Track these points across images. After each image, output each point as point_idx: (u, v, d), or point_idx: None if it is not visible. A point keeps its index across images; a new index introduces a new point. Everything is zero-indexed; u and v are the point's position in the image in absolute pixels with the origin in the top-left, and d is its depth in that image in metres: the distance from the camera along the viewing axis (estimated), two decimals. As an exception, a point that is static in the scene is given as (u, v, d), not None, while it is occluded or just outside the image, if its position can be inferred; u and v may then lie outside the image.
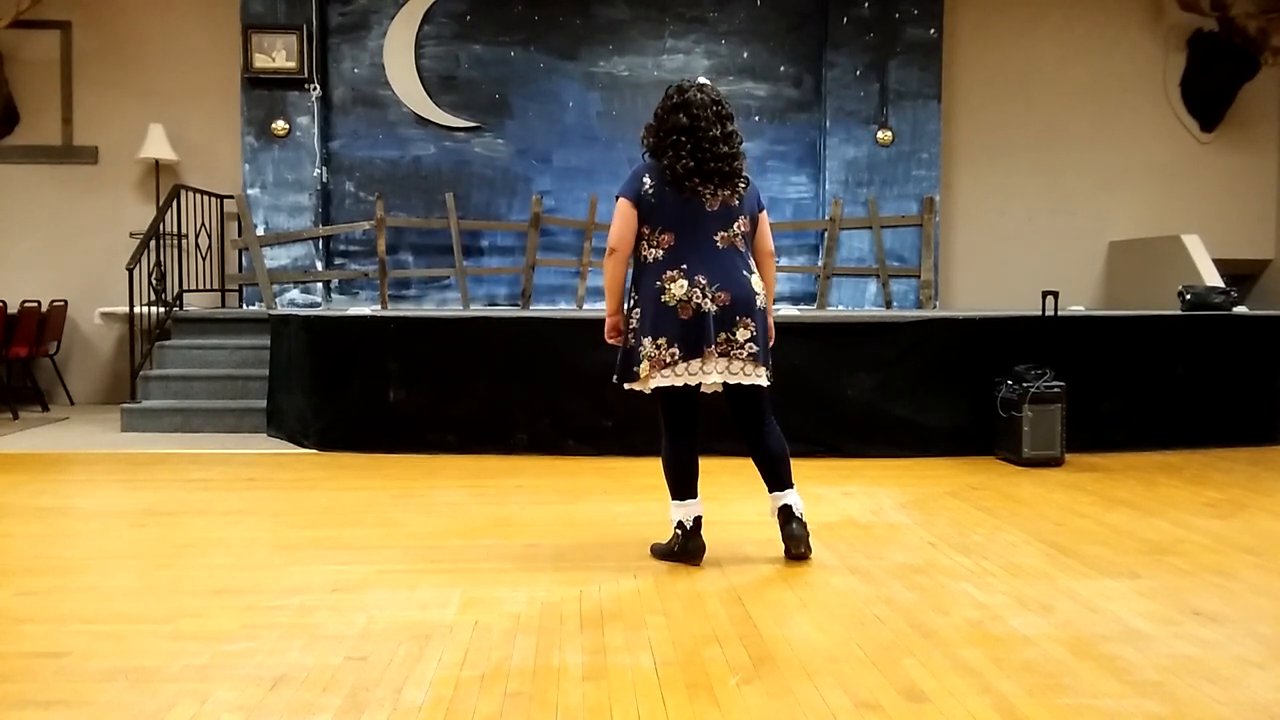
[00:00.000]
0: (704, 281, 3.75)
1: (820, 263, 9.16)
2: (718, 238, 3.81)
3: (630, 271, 3.92)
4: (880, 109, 9.15)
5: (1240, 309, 7.50)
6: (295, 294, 8.92)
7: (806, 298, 9.33)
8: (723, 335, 3.77)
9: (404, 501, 5.13)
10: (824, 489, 5.46)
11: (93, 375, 9.14)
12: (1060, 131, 9.69)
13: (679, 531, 3.97)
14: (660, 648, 3.07)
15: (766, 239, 3.98)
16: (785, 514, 4.01)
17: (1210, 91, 9.64)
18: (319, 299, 8.96)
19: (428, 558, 4.02)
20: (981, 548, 4.25)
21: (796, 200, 9.40)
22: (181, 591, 3.62)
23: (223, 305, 9.01)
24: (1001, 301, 9.23)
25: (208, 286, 8.82)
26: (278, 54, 8.74)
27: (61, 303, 8.72)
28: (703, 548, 3.97)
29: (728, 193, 3.81)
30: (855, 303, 9.19)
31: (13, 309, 8.12)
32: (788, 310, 8.06)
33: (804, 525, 4.01)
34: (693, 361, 3.75)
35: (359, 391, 6.56)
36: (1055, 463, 6.11)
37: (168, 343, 7.98)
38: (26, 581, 3.74)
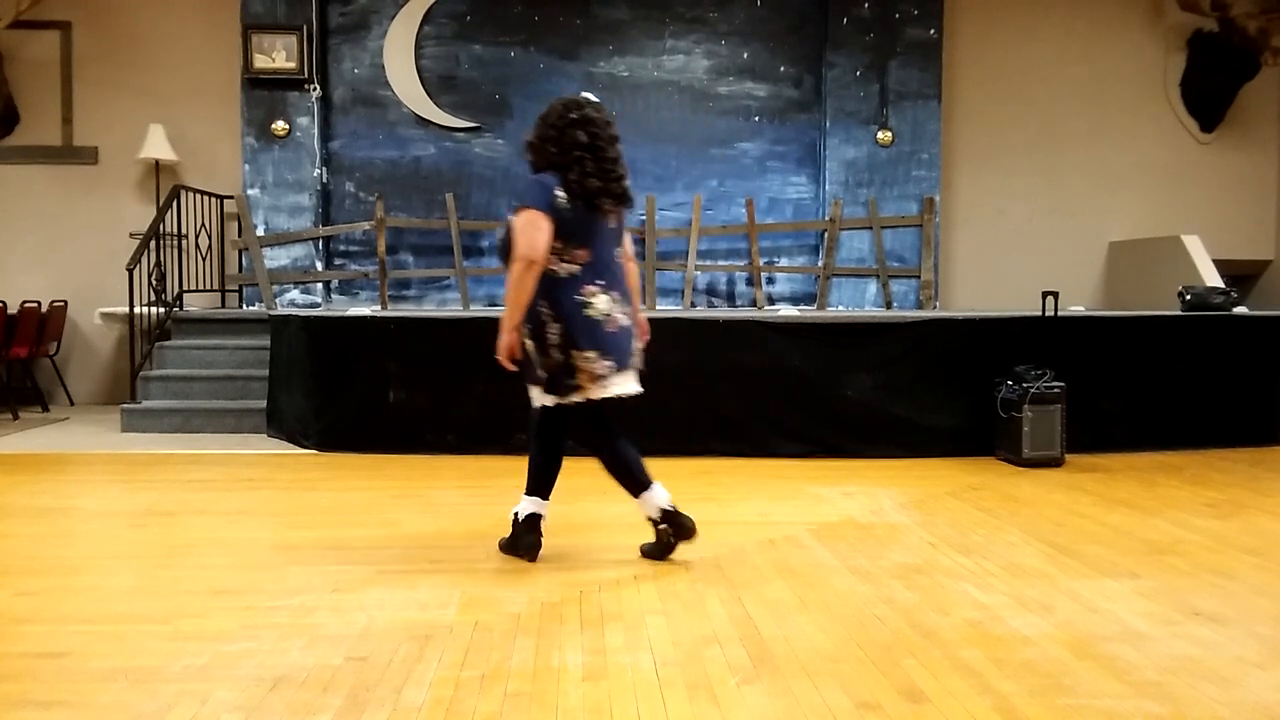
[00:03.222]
0: (617, 296, 3.84)
1: (820, 263, 9.16)
2: (616, 254, 3.91)
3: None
4: (880, 109, 9.15)
5: (1240, 309, 7.50)
6: (295, 294, 8.92)
7: (806, 298, 9.33)
8: (635, 346, 3.93)
9: (404, 501, 5.13)
10: (824, 489, 5.46)
11: (93, 375, 9.14)
12: (1060, 131, 9.69)
13: (523, 523, 3.99)
14: (660, 648, 3.07)
15: (629, 246, 4.08)
16: (670, 511, 3.96)
17: (1210, 91, 9.64)
18: (319, 299, 8.96)
19: (428, 558, 4.02)
20: (981, 548, 4.25)
21: (796, 200, 9.41)
22: (181, 591, 3.62)
23: (223, 305, 9.01)
24: (1001, 302, 9.23)
25: (208, 287, 8.82)
26: (278, 54, 8.74)
27: (61, 303, 8.72)
28: (537, 545, 3.99)
29: (621, 211, 3.90)
30: (855, 303, 9.19)
31: (13, 309, 8.12)
32: (788, 310, 8.07)
33: (687, 518, 4.00)
34: (623, 373, 3.85)
35: (359, 392, 6.56)
36: (1055, 463, 6.11)
37: (168, 343, 7.98)
38: (26, 581, 3.74)
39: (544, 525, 4.03)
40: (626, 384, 3.88)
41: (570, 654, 3.02)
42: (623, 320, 3.84)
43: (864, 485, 5.57)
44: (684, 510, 3.98)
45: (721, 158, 9.32)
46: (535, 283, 3.72)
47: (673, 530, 3.97)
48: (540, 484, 4.01)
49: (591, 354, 3.76)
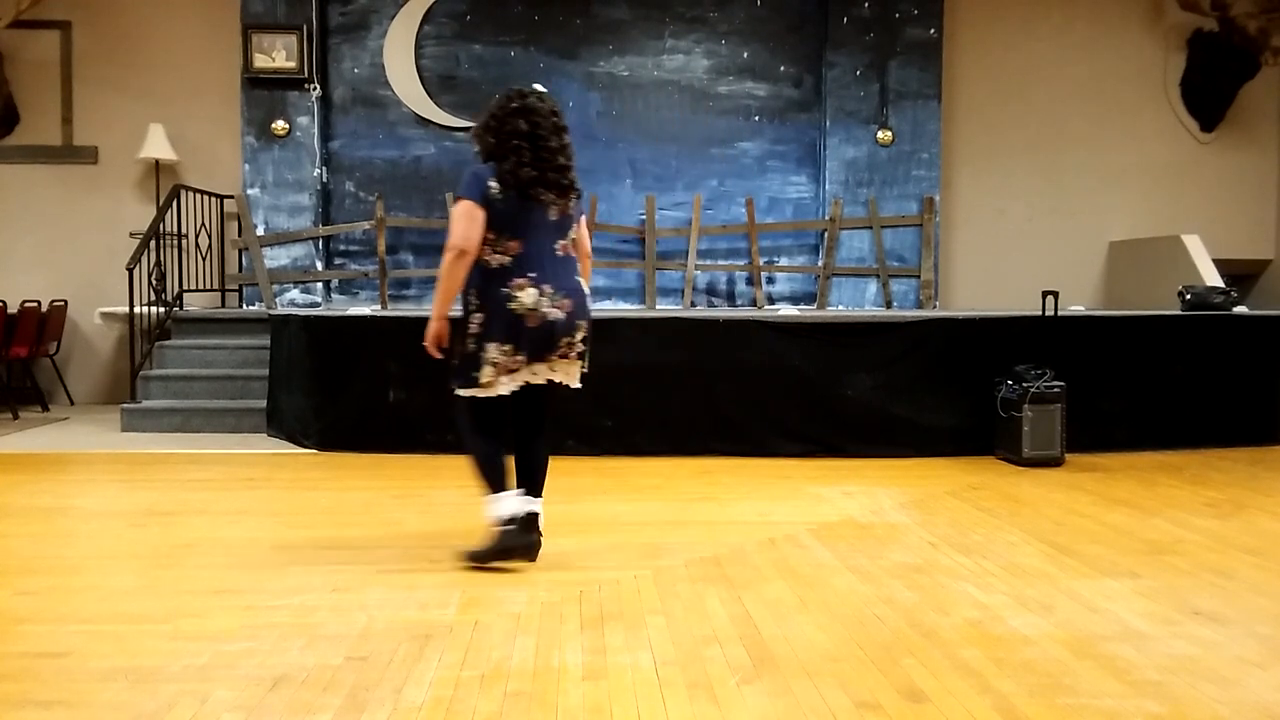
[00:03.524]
0: (550, 290, 3.78)
1: (820, 263, 9.16)
2: (557, 246, 3.85)
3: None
4: (880, 109, 9.15)
5: (1240, 309, 7.50)
6: (295, 294, 8.92)
7: (806, 298, 9.33)
8: (566, 340, 3.83)
9: (404, 501, 5.13)
10: (824, 489, 5.46)
11: (93, 375, 9.14)
12: (1060, 131, 9.69)
13: (507, 527, 3.84)
14: (660, 648, 3.07)
15: (586, 241, 4.07)
16: (533, 520, 3.93)
17: (1210, 91, 9.63)
18: (319, 299, 8.96)
19: (428, 558, 4.02)
20: (981, 548, 4.25)
21: (796, 200, 9.40)
22: (181, 591, 3.62)
23: (223, 305, 9.01)
24: (1001, 301, 9.23)
25: (208, 286, 8.81)
26: (278, 54, 8.74)
27: (61, 303, 8.72)
28: (537, 543, 3.89)
29: (565, 203, 3.85)
30: (855, 303, 9.19)
31: (13, 309, 8.12)
32: (788, 310, 8.08)
33: (541, 537, 3.96)
34: (536, 365, 3.81)
35: (359, 391, 6.56)
36: (1055, 463, 6.11)
37: (168, 343, 7.98)
38: (26, 581, 3.74)
39: (541, 522, 3.95)
40: (537, 375, 3.83)
41: (570, 654, 3.02)
42: (551, 315, 3.76)
43: (864, 485, 5.57)
44: (539, 530, 3.91)
45: (721, 157, 9.31)
46: (465, 273, 3.77)
47: (507, 540, 3.85)
48: (496, 479, 3.88)
49: (507, 347, 3.74)
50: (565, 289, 3.82)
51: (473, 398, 3.82)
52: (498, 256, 3.77)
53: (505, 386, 3.79)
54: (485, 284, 3.77)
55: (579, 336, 3.87)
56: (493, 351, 3.75)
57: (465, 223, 3.72)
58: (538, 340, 3.77)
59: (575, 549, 4.20)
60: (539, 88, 3.93)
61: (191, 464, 6.20)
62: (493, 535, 3.88)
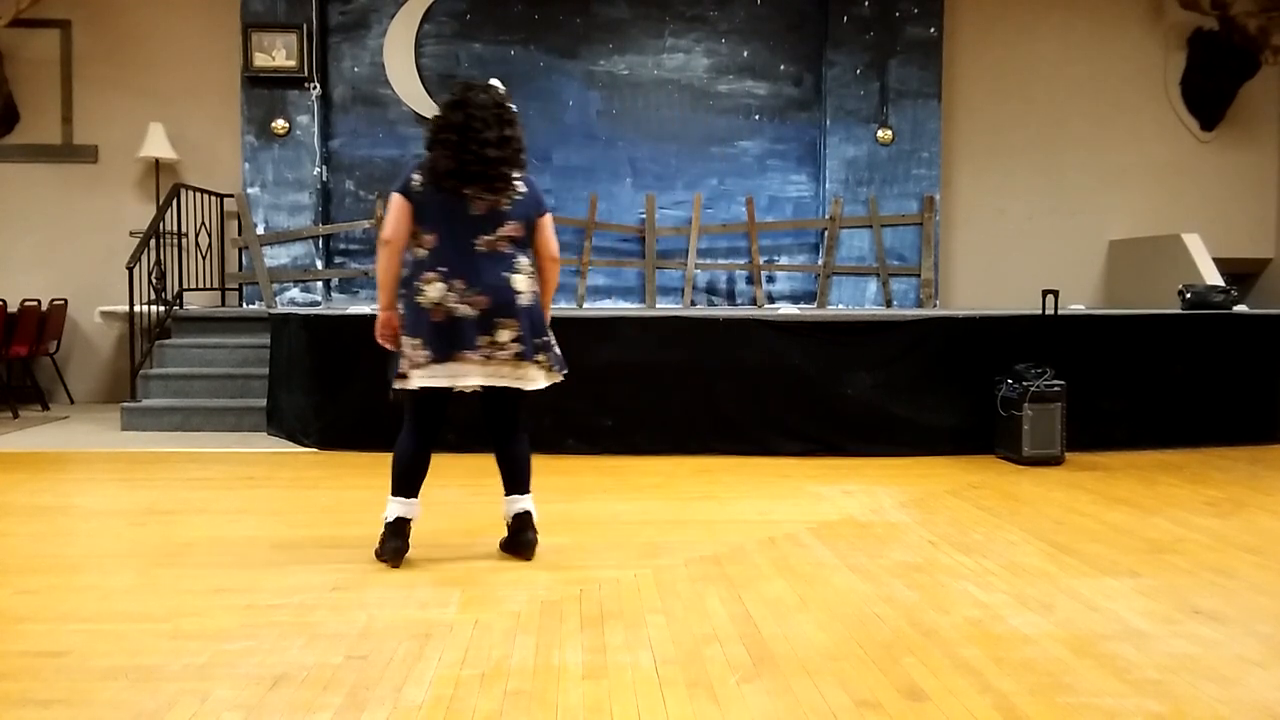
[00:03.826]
0: (461, 286, 3.71)
1: (820, 261, 9.16)
2: (479, 241, 3.76)
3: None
4: (880, 108, 9.15)
5: (1240, 308, 7.50)
6: (295, 293, 8.92)
7: (806, 296, 9.32)
8: (484, 339, 3.73)
9: (404, 500, 5.12)
10: (824, 488, 5.46)
11: (93, 374, 9.14)
12: (1060, 131, 9.69)
13: (384, 530, 3.88)
14: (660, 647, 3.07)
15: (548, 243, 3.91)
16: (521, 520, 3.97)
17: (1210, 90, 9.63)
18: (319, 298, 8.96)
19: (428, 557, 4.02)
20: (981, 547, 4.25)
21: (796, 199, 9.40)
22: (181, 590, 3.62)
23: (223, 304, 9.01)
24: (1001, 301, 9.23)
25: (208, 285, 8.81)
26: (278, 53, 8.73)
27: (61, 302, 8.72)
28: (400, 550, 3.86)
29: (495, 197, 3.76)
30: (855, 302, 9.19)
31: (13, 308, 8.12)
32: (788, 309, 8.07)
33: (536, 534, 3.98)
34: (448, 364, 3.73)
35: (359, 390, 6.55)
36: (1055, 461, 6.11)
37: (168, 342, 7.98)
38: (26, 580, 3.74)
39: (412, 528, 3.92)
40: (454, 378, 3.76)
41: (570, 652, 3.02)
42: (459, 311, 3.70)
43: (864, 484, 5.57)
44: (406, 538, 3.89)
45: (721, 156, 9.31)
46: (392, 264, 3.78)
47: (380, 542, 3.89)
48: (399, 481, 3.88)
49: (416, 341, 3.74)
50: (481, 286, 3.72)
51: (410, 392, 3.81)
52: (416, 250, 3.80)
53: (417, 381, 3.76)
54: (407, 277, 3.81)
55: (505, 336, 3.74)
56: (406, 345, 3.76)
57: (391, 214, 3.79)
58: (444, 337, 3.71)
59: (575, 548, 4.21)
60: (495, 82, 3.87)
61: (191, 463, 6.20)
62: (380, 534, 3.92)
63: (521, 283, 3.80)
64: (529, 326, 3.79)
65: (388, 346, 3.89)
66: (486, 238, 3.77)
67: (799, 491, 5.39)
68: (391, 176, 9.08)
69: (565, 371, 3.96)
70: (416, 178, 3.79)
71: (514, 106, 3.86)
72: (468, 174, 3.72)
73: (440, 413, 3.92)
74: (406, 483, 3.88)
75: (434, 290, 3.72)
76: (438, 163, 3.75)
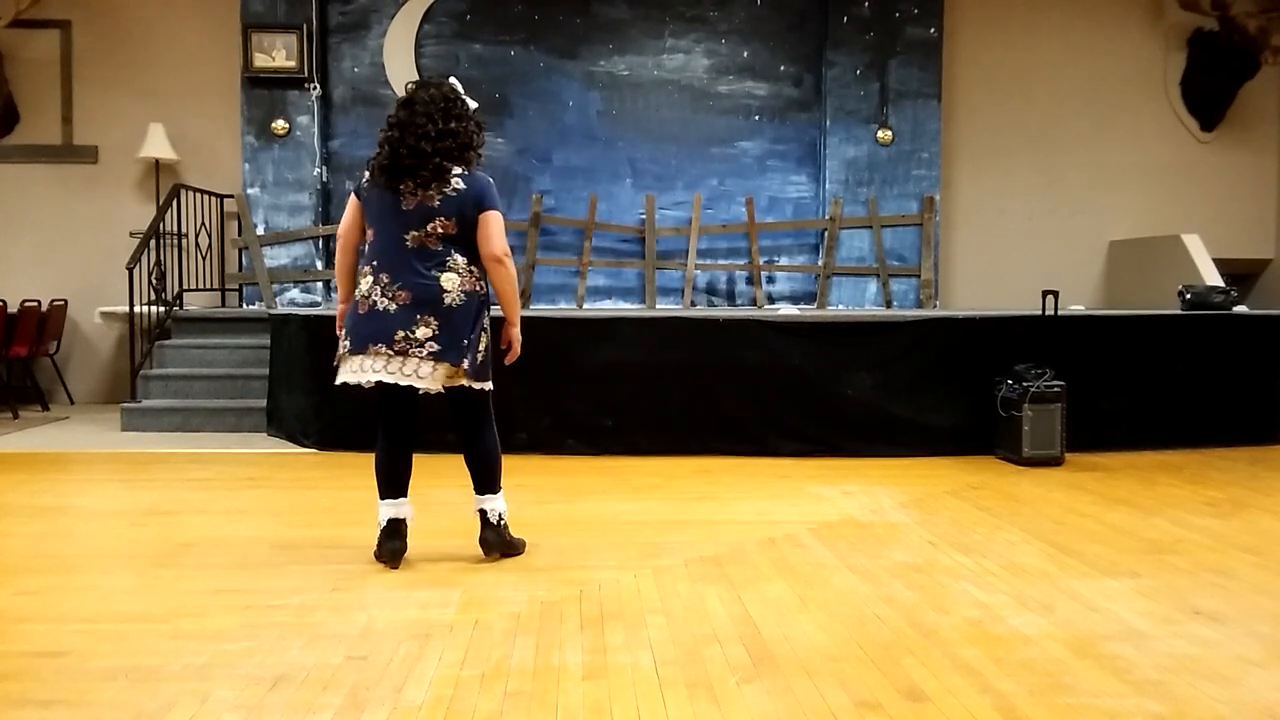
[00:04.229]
0: (386, 280, 3.72)
1: (820, 262, 9.16)
2: (408, 236, 3.72)
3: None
4: (880, 108, 9.15)
5: (1240, 308, 7.50)
6: (295, 293, 8.91)
7: (806, 297, 9.32)
8: (401, 334, 3.68)
9: (404, 501, 5.12)
10: (824, 488, 5.46)
11: (93, 375, 9.14)
12: (1060, 131, 9.69)
13: (380, 532, 3.91)
14: (660, 647, 3.07)
15: (488, 242, 3.75)
16: (480, 517, 3.99)
17: (1210, 91, 9.63)
18: (319, 298, 8.95)
19: (428, 557, 4.02)
20: (981, 547, 4.25)
21: (796, 199, 9.40)
22: (181, 590, 3.62)
23: (223, 305, 9.00)
24: (1001, 301, 9.23)
25: (208, 286, 8.81)
26: (278, 53, 8.73)
27: (61, 302, 8.72)
28: (398, 551, 3.88)
29: (426, 192, 3.71)
30: (855, 302, 9.19)
31: (13, 309, 8.12)
32: (788, 309, 8.07)
33: (497, 533, 3.98)
34: (359, 357, 3.74)
35: (359, 391, 6.54)
36: (1055, 462, 6.11)
37: (168, 342, 7.98)
38: (26, 581, 3.74)
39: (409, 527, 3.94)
40: (363, 372, 3.73)
41: (570, 653, 3.02)
42: (381, 304, 3.69)
43: (864, 484, 5.57)
44: (404, 539, 3.91)
45: (721, 156, 9.31)
46: (341, 260, 3.92)
47: (377, 545, 3.92)
48: (380, 485, 3.90)
49: (343, 334, 3.80)
50: (404, 281, 3.69)
51: (377, 393, 3.83)
52: (364, 247, 3.86)
53: (341, 376, 3.78)
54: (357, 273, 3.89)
55: (421, 333, 3.67)
56: (341, 340, 3.82)
57: (345, 213, 3.92)
58: (363, 330, 3.72)
59: (575, 548, 4.21)
60: (452, 80, 3.88)
61: (191, 463, 6.20)
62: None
63: (450, 281, 3.71)
64: (452, 326, 3.70)
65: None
66: (415, 233, 3.73)
67: (799, 492, 5.39)
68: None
69: (486, 385, 3.87)
70: (365, 176, 3.85)
71: (470, 102, 3.84)
72: (399, 169, 3.72)
73: (403, 410, 3.90)
74: (389, 484, 3.91)
75: (365, 283, 3.77)
76: (377, 158, 3.78)
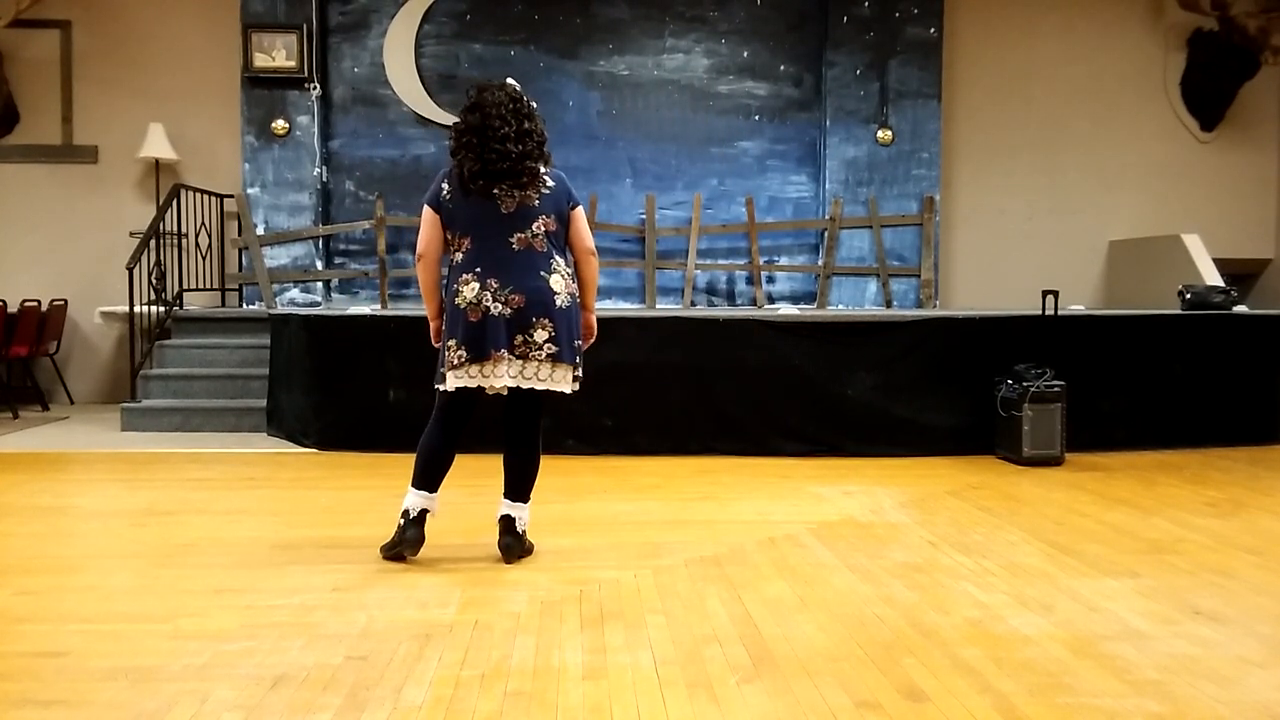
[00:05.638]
0: (495, 285, 3.73)
1: (820, 262, 9.16)
2: (513, 239, 3.76)
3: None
4: (880, 108, 9.15)
5: (1240, 308, 7.50)
6: (295, 293, 8.92)
7: (806, 297, 9.32)
8: (519, 338, 3.74)
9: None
10: (824, 488, 5.46)
11: (93, 375, 9.14)
12: (1060, 131, 9.69)
13: (401, 520, 3.92)
14: (660, 647, 3.07)
15: (581, 237, 3.91)
16: (506, 523, 3.99)
17: (1210, 91, 9.64)
18: (319, 298, 8.96)
19: (428, 557, 4.02)
20: (981, 547, 4.25)
21: (796, 199, 9.40)
22: (181, 591, 3.62)
23: (223, 305, 9.01)
24: (1001, 301, 9.23)
25: (208, 286, 8.81)
26: (278, 53, 8.73)
27: (61, 302, 8.72)
28: (418, 540, 3.89)
29: (525, 193, 3.77)
30: (855, 302, 9.19)
31: (13, 308, 8.12)
32: (788, 309, 8.07)
33: (519, 541, 3.99)
34: (483, 364, 3.75)
35: (359, 391, 6.56)
36: (1055, 462, 6.11)
37: (168, 342, 7.98)
38: (26, 581, 3.74)
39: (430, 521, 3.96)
40: (489, 378, 3.76)
41: (570, 653, 3.02)
42: (495, 309, 3.72)
43: (864, 484, 5.57)
44: (422, 529, 3.91)
45: (721, 156, 9.31)
46: (427, 276, 3.92)
47: (398, 533, 3.93)
48: (421, 473, 3.93)
49: (451, 343, 3.78)
50: (516, 284, 3.73)
51: (443, 391, 3.87)
52: (456, 255, 3.86)
53: (453, 383, 3.78)
54: (448, 283, 3.88)
55: (539, 336, 3.74)
56: (445, 347, 3.81)
57: (424, 228, 3.90)
58: (479, 337, 3.72)
59: (575, 548, 4.21)
60: (510, 81, 3.89)
61: (191, 463, 6.20)
62: (396, 527, 3.96)
63: (558, 283, 3.80)
64: (565, 330, 3.80)
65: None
66: (520, 235, 3.78)
67: (799, 492, 5.39)
68: (392, 177, 9.10)
69: (575, 387, 3.95)
70: (445, 187, 3.83)
71: (532, 101, 3.88)
72: (493, 173, 3.74)
73: (469, 411, 3.95)
74: (429, 477, 3.93)
75: (469, 291, 3.75)
76: (463, 167, 3.76)
